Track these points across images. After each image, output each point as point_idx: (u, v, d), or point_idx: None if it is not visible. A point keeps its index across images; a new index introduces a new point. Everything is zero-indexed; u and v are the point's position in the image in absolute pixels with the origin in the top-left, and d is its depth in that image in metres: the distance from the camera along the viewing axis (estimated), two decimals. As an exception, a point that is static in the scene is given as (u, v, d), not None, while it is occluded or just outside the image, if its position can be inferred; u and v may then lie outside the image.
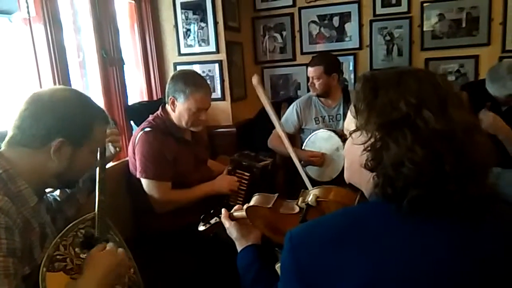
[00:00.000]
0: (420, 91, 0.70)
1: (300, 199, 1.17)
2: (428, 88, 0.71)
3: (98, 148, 1.41)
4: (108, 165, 1.63)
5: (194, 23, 2.82)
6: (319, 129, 2.60)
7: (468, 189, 0.68)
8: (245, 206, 1.20)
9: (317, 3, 3.15)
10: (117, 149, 1.50)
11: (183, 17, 2.82)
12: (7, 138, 1.13)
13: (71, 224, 1.20)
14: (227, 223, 1.21)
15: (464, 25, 2.95)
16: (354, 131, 0.76)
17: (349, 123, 0.80)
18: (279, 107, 3.15)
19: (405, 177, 0.67)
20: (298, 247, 0.73)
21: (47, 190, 1.28)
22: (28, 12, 1.82)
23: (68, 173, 1.17)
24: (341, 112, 2.68)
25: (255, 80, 1.84)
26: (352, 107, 0.79)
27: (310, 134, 2.62)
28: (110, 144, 1.46)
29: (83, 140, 1.16)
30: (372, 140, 0.71)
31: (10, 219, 0.99)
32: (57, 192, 1.43)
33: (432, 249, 0.68)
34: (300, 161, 2.61)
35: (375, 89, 0.74)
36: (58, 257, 1.11)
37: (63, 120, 1.12)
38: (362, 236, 0.70)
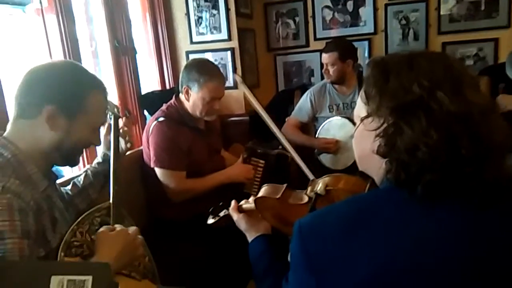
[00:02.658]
0: (433, 72, 0.68)
1: (309, 188, 1.15)
2: (441, 70, 0.69)
3: (112, 138, 1.43)
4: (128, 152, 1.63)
5: (205, 11, 2.79)
6: (333, 117, 2.57)
7: (485, 172, 0.66)
8: (253, 198, 1.19)
9: (331, -13, 3.10)
10: (128, 145, 1.50)
11: (195, 4, 2.79)
12: (12, 114, 1.14)
13: (87, 212, 1.22)
14: (235, 215, 1.21)
15: (483, 7, 2.86)
16: (366, 117, 0.74)
17: (360, 109, 0.78)
18: (292, 95, 3.12)
19: (419, 162, 0.66)
20: (307, 236, 0.72)
21: (59, 181, 1.29)
22: (41, 3, 1.82)
23: (66, 145, 1.16)
24: (356, 99, 2.63)
25: (238, 78, 1.86)
26: (362, 93, 0.77)
27: (324, 121, 2.59)
28: (122, 140, 1.46)
29: (76, 109, 1.14)
30: (385, 125, 0.69)
31: (23, 202, 1.00)
32: (69, 186, 1.44)
33: (446, 234, 0.66)
34: (314, 149, 2.62)
35: (386, 73, 0.72)
36: (75, 243, 1.13)
37: (53, 88, 1.11)
38: (373, 223, 0.69)
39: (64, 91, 1.12)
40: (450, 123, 0.65)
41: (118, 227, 1.15)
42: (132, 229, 1.16)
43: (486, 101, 0.69)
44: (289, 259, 1.03)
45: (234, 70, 2.85)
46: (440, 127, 0.65)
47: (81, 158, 1.92)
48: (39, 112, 1.10)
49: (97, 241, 1.11)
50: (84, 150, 1.29)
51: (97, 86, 1.21)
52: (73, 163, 1.27)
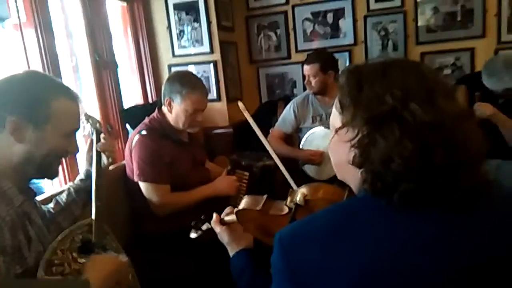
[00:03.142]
0: (405, 82, 0.69)
1: (289, 198, 1.15)
2: (413, 79, 0.69)
3: (94, 153, 1.40)
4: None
5: (187, 24, 2.80)
6: (316, 127, 2.59)
7: (460, 179, 0.66)
8: (234, 210, 1.19)
9: (310, 0, 3.14)
10: (110, 159, 1.47)
11: (176, 18, 2.80)
12: None
13: (68, 230, 1.19)
14: (217, 228, 1.20)
15: (458, 18, 2.94)
16: (341, 127, 0.74)
17: (335, 118, 0.79)
18: (275, 106, 3.14)
19: (394, 172, 0.66)
20: (287, 248, 0.71)
21: (40, 198, 1.25)
22: (19, 18, 1.80)
23: (37, 156, 1.11)
24: (338, 109, 2.66)
25: (241, 105, 1.88)
26: (337, 103, 0.77)
27: (308, 132, 2.60)
28: (103, 155, 1.44)
29: (42, 118, 1.09)
30: (360, 136, 0.69)
31: None
32: (51, 204, 1.41)
33: (425, 241, 0.67)
34: (298, 160, 2.63)
35: (359, 83, 0.72)
36: (55, 261, 1.10)
37: (14, 98, 1.07)
38: (353, 232, 0.69)
39: (26, 100, 1.08)
40: (424, 133, 0.65)
41: (109, 253, 1.15)
42: (123, 256, 1.16)
43: (459, 109, 0.70)
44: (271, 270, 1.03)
45: (217, 83, 2.86)
46: (414, 138, 0.65)
47: (61, 172, 1.91)
48: (2, 125, 1.06)
49: (86, 263, 1.10)
50: (61, 159, 1.24)
51: (63, 91, 1.17)
52: (50, 175, 1.22)
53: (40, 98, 1.10)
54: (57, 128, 1.13)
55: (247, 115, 1.88)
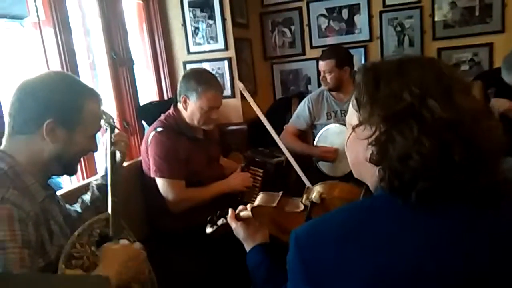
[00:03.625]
0: (423, 79, 0.68)
1: (304, 196, 1.16)
2: (431, 76, 0.69)
3: (108, 149, 1.43)
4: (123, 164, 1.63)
5: (202, 21, 2.81)
6: (331, 124, 2.58)
7: (479, 177, 0.66)
8: (249, 206, 1.19)
9: (325, -4, 3.12)
10: (121, 155, 1.48)
11: (191, 15, 2.81)
12: (7, 130, 1.14)
13: (86, 224, 1.22)
14: (233, 224, 1.20)
15: (477, 12, 2.88)
16: (358, 125, 0.74)
17: (351, 116, 0.78)
18: (290, 103, 3.13)
19: (412, 170, 0.65)
20: (303, 246, 0.72)
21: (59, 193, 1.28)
22: (38, 16, 1.84)
23: (67, 155, 1.17)
24: (353, 106, 2.65)
25: (240, 85, 1.88)
26: (353, 100, 0.76)
27: (322, 129, 2.59)
28: (116, 151, 1.46)
29: (75, 120, 1.16)
30: (377, 133, 0.69)
31: (23, 212, 1.01)
32: (78, 204, 1.45)
33: (442, 241, 0.66)
34: (312, 157, 2.62)
35: (376, 80, 0.71)
36: (75, 254, 1.12)
37: (49, 102, 1.12)
38: (369, 231, 0.68)
39: (61, 104, 1.13)
40: (442, 130, 0.65)
41: (122, 242, 1.16)
42: (137, 244, 1.17)
43: (477, 106, 0.69)
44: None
45: (232, 79, 2.87)
46: (432, 135, 0.65)
47: (80, 168, 1.94)
48: (38, 127, 1.11)
49: (101, 254, 1.11)
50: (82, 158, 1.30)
51: (92, 94, 1.22)
52: (72, 172, 1.28)
53: (74, 102, 1.16)
54: (86, 130, 1.19)
55: (247, 95, 1.88)
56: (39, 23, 1.84)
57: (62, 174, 1.30)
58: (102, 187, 1.48)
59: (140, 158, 2.10)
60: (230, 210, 1.25)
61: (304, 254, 0.71)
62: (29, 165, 1.12)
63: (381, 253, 0.66)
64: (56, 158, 1.16)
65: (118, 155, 1.48)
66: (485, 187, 0.66)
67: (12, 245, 0.95)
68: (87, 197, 1.49)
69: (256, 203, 1.20)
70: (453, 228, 0.67)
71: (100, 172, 1.53)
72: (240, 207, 1.24)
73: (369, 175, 0.76)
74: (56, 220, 1.19)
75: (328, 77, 2.58)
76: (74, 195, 1.55)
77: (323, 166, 2.58)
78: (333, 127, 2.55)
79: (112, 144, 1.45)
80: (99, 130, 1.27)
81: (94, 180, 1.53)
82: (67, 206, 1.37)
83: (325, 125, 2.60)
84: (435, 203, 0.67)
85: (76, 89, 1.19)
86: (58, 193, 1.61)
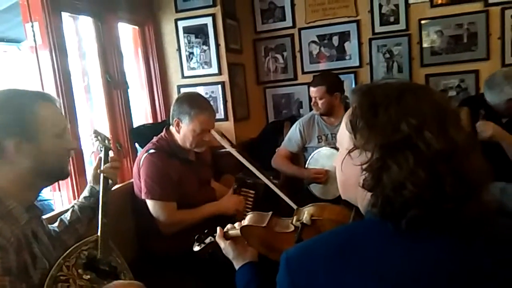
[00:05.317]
0: (420, 110, 0.69)
1: (295, 217, 1.16)
2: (428, 107, 0.70)
3: (102, 174, 1.43)
4: (113, 188, 1.64)
5: (196, 46, 2.88)
6: (322, 147, 2.61)
7: (466, 207, 0.67)
8: (238, 226, 1.20)
9: (316, 23, 3.21)
10: (111, 180, 1.48)
11: (186, 40, 2.88)
12: None
13: (74, 246, 1.22)
14: (222, 243, 1.20)
15: (463, 40, 2.98)
16: (353, 149, 0.74)
17: (343, 136, 0.78)
18: (282, 126, 3.17)
19: (405, 199, 0.66)
20: (294, 269, 0.72)
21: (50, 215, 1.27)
22: (35, 40, 1.88)
23: (45, 166, 1.14)
24: (343, 129, 2.69)
25: (213, 132, 1.98)
26: (347, 121, 0.76)
27: (313, 152, 2.63)
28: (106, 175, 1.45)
29: (33, 131, 1.11)
30: (372, 160, 0.70)
31: (4, 239, 0.99)
32: (56, 223, 1.43)
33: (430, 266, 0.68)
34: (303, 179, 2.64)
35: (374, 106, 0.71)
36: (61, 277, 1.13)
37: (3, 122, 1.08)
38: (360, 255, 0.69)
39: (11, 122, 1.09)
40: (437, 162, 0.66)
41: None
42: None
43: (467, 138, 0.70)
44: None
45: (225, 102, 2.92)
46: (427, 167, 0.66)
47: (71, 190, 1.94)
48: (2, 151, 1.08)
49: None
50: (68, 158, 1.25)
51: (38, 98, 1.17)
52: (62, 176, 1.24)
53: (23, 114, 1.11)
54: (47, 133, 1.14)
55: (219, 139, 1.95)
56: (35, 46, 1.88)
57: (55, 181, 1.28)
58: (84, 209, 1.46)
59: (132, 180, 2.11)
60: (218, 229, 1.25)
61: (293, 277, 0.72)
62: (10, 189, 1.09)
63: (369, 278, 0.67)
64: (36, 173, 1.13)
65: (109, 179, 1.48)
66: (472, 216, 0.68)
67: None
68: (66, 217, 1.45)
69: (245, 222, 1.20)
70: (440, 255, 0.68)
71: (85, 193, 1.51)
72: (229, 225, 1.25)
73: (360, 198, 0.76)
74: (41, 242, 1.18)
75: (320, 102, 2.63)
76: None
77: (314, 188, 2.60)
78: (324, 150, 2.58)
79: (103, 166, 1.45)
80: (63, 127, 1.21)
81: (77, 201, 1.50)
82: (48, 225, 1.35)
83: (316, 148, 2.64)
84: (424, 230, 0.68)
85: (20, 102, 1.13)
86: (50, 214, 1.61)
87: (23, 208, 1.11)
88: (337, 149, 2.63)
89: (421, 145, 0.66)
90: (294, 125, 2.83)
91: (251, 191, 2.13)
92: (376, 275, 0.67)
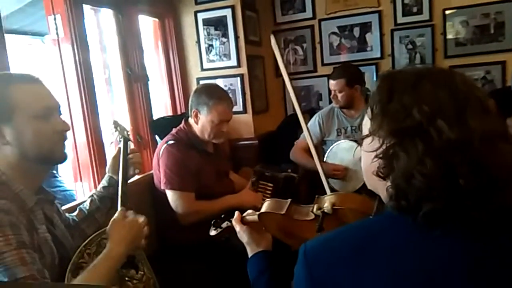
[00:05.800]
0: (435, 98, 0.66)
1: (315, 206, 1.13)
2: (445, 95, 0.66)
3: (121, 160, 1.45)
4: (132, 179, 1.66)
5: (216, 39, 2.88)
6: (341, 140, 2.58)
7: (489, 202, 0.64)
8: (257, 212, 1.19)
9: (337, 14, 3.16)
10: (137, 170, 1.51)
11: (205, 33, 2.88)
12: None
13: (94, 234, 1.24)
14: (238, 227, 1.20)
15: (489, 31, 2.88)
16: (366, 136, 0.73)
17: (366, 124, 0.77)
18: (301, 119, 3.15)
19: (417, 190, 0.64)
20: (312, 262, 0.71)
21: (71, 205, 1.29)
22: (57, 33, 1.92)
23: (28, 149, 1.10)
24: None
25: (273, 40, 1.87)
26: (368, 108, 0.75)
27: (332, 145, 2.60)
28: (131, 165, 1.48)
29: (7, 112, 1.07)
30: (384, 147, 0.68)
31: (13, 217, 1.01)
32: (75, 213, 1.45)
33: (448, 263, 0.65)
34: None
35: (390, 91, 0.70)
36: (83, 264, 1.15)
37: None
38: (379, 250, 0.68)
39: None
40: (448, 152, 0.63)
41: (130, 214, 1.27)
42: (142, 219, 1.28)
43: (493, 127, 0.66)
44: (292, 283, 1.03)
45: (244, 95, 2.91)
46: (436, 156, 0.63)
47: (92, 179, 1.98)
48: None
49: (111, 226, 1.20)
50: (61, 141, 1.17)
51: (17, 79, 1.13)
52: (55, 159, 1.19)
53: None
54: (26, 113, 1.09)
55: (276, 52, 1.89)
56: (58, 40, 1.92)
57: (50, 165, 1.27)
58: (104, 199, 1.47)
59: (152, 171, 2.14)
60: (236, 213, 1.25)
61: (312, 270, 0.71)
62: (14, 173, 1.10)
63: (388, 273, 0.66)
64: (21, 157, 1.10)
65: (131, 170, 1.49)
66: (495, 212, 0.64)
67: (8, 249, 0.95)
68: (85, 206, 1.46)
69: (264, 209, 1.19)
70: (459, 252, 0.66)
71: (103, 183, 1.52)
72: (249, 211, 1.24)
73: (381, 186, 0.74)
74: (59, 228, 1.21)
75: (339, 95, 2.60)
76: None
77: (333, 183, 2.57)
78: (343, 143, 2.55)
79: (125, 157, 1.47)
80: (48, 107, 1.14)
81: (95, 191, 1.51)
82: (66, 214, 1.38)
83: (335, 141, 2.60)
84: (443, 225, 0.65)
85: None
86: (70, 205, 1.65)
87: (30, 191, 1.12)
88: (356, 141, 2.59)
89: (432, 133, 0.64)
90: (313, 118, 2.80)
91: (270, 184, 2.13)
92: (393, 271, 0.66)
